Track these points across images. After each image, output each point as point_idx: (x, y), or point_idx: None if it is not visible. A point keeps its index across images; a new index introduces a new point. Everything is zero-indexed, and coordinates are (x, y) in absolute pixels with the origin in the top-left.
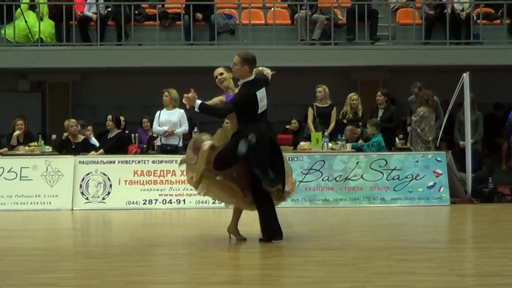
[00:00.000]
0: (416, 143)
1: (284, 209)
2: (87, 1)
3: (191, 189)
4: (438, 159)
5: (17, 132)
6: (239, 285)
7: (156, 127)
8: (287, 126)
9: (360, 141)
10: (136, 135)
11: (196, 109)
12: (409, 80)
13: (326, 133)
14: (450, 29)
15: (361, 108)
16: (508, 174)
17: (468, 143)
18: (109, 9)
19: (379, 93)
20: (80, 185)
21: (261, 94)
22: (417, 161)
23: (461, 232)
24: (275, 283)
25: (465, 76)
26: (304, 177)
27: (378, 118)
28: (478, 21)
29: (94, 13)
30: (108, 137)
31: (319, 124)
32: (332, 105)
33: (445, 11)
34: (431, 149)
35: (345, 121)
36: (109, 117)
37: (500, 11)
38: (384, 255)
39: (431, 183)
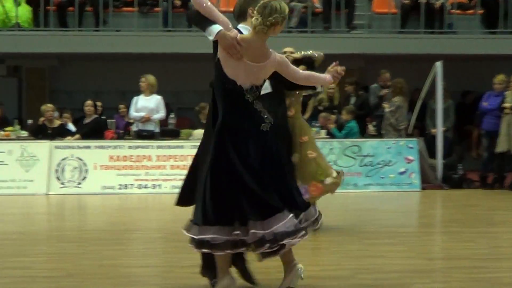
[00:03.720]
0: (388, 131)
1: None
2: None
3: (167, 174)
4: (410, 146)
5: None
6: None
7: (132, 113)
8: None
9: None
10: (113, 120)
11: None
12: (383, 69)
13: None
14: (425, 18)
15: (338, 96)
16: (477, 160)
17: (439, 130)
18: None
19: (346, 83)
20: (56, 170)
21: None
22: (389, 148)
23: (431, 217)
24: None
25: (438, 65)
26: None
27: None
28: (452, 10)
29: None
30: (85, 123)
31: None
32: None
33: (419, 1)
34: (403, 136)
35: (321, 107)
36: (89, 102)
37: (474, 1)
38: (355, 239)
39: (402, 169)
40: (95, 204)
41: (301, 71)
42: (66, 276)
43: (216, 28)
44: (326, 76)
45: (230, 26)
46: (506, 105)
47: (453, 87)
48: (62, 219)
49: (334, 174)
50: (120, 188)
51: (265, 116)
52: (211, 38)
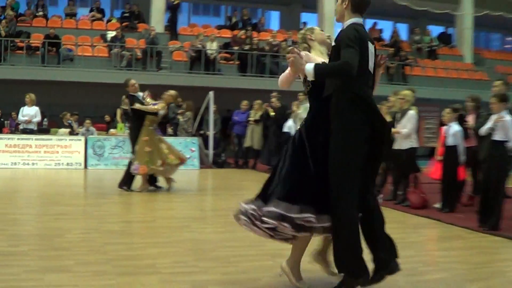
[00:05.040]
0: (182, 132)
1: (98, 171)
2: None
3: (41, 156)
4: (193, 142)
5: None
6: (68, 216)
7: (20, 118)
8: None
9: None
10: (8, 122)
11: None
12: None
13: (127, 125)
14: (204, 64)
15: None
16: (233, 151)
17: (211, 132)
18: None
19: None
20: None
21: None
22: (181, 143)
23: (205, 185)
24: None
25: (211, 93)
26: (113, 150)
27: None
28: (221, 61)
29: None
30: None
31: (125, 118)
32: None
33: (196, 53)
34: (189, 135)
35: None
36: None
37: (233, 56)
38: (160, 200)
39: (188, 156)
40: None
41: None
42: None
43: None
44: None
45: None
46: (251, 119)
47: (220, 107)
48: None
49: (159, 163)
50: (12, 165)
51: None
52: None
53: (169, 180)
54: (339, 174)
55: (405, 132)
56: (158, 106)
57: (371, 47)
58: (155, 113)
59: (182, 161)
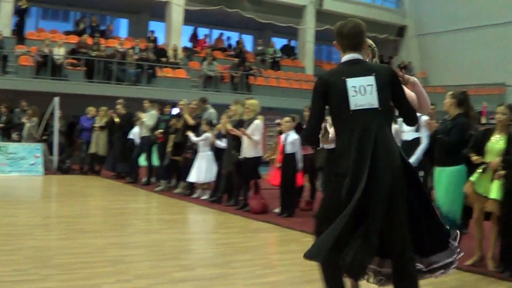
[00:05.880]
0: (28, 138)
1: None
2: None
3: None
4: (37, 148)
5: None
6: None
7: None
8: None
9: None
10: None
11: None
12: (23, 99)
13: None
14: (51, 70)
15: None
16: (79, 158)
17: (55, 139)
18: None
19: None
20: None
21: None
22: (25, 148)
23: (48, 191)
24: None
25: (56, 99)
26: None
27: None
28: (67, 66)
29: None
30: None
31: None
32: None
33: (43, 58)
34: (34, 141)
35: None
36: None
37: (81, 61)
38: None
39: (32, 162)
40: None
41: None
42: None
43: None
44: None
45: None
46: (96, 125)
47: (66, 113)
48: None
49: None
50: None
51: None
52: None
53: None
54: None
55: (256, 140)
56: None
57: (355, 81)
58: None
59: None
